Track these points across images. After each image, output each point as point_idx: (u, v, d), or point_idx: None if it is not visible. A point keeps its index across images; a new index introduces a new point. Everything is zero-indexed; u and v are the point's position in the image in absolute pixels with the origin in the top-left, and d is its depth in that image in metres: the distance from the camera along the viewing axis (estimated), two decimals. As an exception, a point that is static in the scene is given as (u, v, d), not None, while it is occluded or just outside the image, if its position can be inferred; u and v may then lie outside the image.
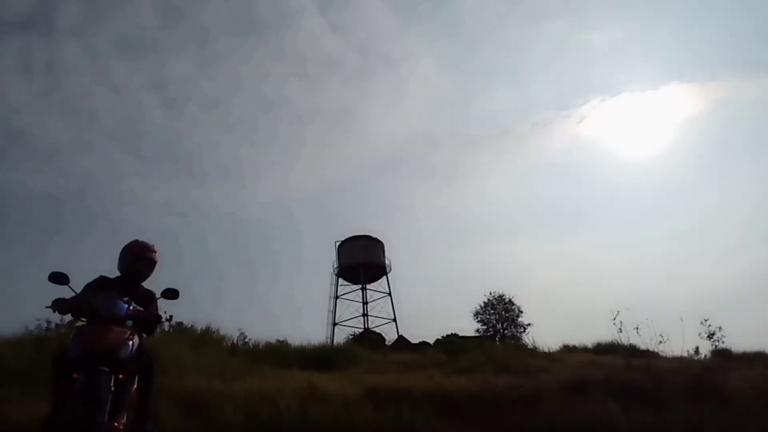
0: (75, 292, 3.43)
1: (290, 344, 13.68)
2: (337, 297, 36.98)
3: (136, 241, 3.83)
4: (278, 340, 14.00)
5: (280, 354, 11.84)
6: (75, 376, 2.95)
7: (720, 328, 8.94)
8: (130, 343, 3.28)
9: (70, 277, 3.42)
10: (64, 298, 3.33)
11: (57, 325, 8.60)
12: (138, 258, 3.74)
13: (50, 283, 3.36)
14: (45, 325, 8.72)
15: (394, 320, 35.68)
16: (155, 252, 3.81)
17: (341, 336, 33.68)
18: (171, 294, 3.72)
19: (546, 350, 14.24)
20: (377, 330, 34.62)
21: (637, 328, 8.88)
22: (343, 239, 38.40)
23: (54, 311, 3.30)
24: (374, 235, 38.44)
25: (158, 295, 3.74)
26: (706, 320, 8.99)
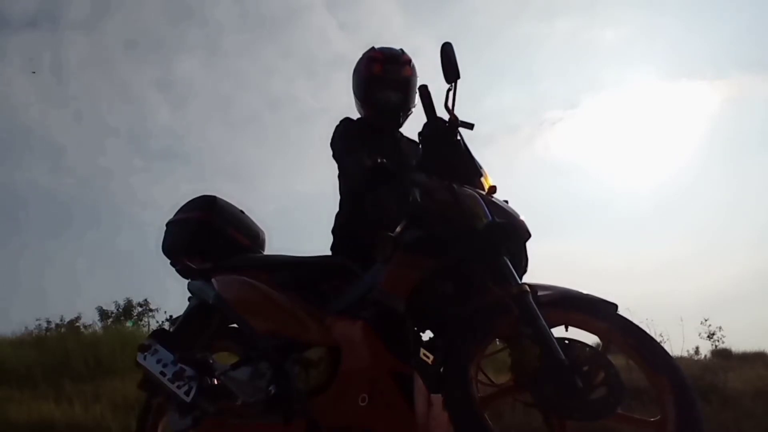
0: None
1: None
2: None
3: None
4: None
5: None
6: None
7: (720, 328, 8.97)
8: None
9: None
10: None
11: (57, 325, 8.62)
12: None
13: None
14: (45, 325, 8.75)
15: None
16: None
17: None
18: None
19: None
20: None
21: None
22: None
23: None
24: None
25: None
26: (706, 320, 9.02)
